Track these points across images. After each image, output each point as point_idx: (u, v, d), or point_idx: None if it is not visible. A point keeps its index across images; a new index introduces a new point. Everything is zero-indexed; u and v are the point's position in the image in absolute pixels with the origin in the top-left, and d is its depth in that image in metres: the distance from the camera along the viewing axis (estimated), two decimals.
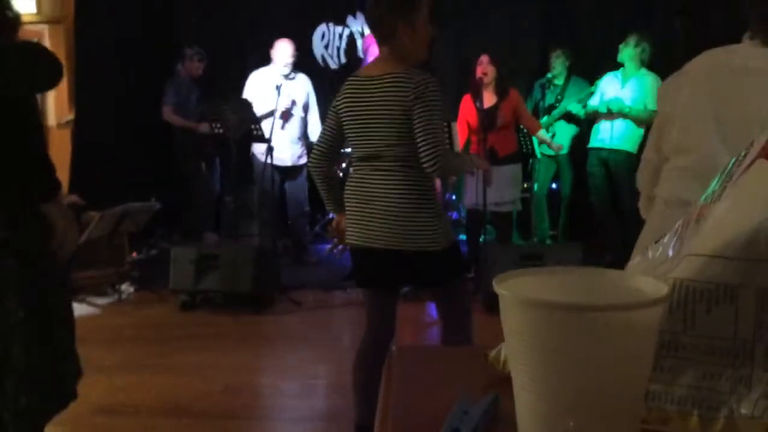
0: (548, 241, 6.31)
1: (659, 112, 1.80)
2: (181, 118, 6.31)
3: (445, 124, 4.68)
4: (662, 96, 1.77)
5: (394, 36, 2.47)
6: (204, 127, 6.30)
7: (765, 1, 1.61)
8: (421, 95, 2.38)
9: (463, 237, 6.56)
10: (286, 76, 5.57)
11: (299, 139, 5.75)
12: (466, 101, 5.33)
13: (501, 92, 5.24)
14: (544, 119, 6.06)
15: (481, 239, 5.57)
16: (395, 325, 2.68)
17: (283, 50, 5.58)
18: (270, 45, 5.81)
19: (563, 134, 6.15)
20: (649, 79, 5.54)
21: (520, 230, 6.37)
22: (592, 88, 5.95)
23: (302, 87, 5.71)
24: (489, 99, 5.24)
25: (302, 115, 5.73)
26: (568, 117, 6.13)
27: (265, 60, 5.81)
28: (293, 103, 5.49)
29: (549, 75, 6.24)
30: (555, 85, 6.22)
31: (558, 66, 6.16)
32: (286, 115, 5.46)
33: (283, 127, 5.50)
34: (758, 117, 1.50)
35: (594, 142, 5.80)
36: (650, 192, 1.80)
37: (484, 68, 5.19)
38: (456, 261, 2.65)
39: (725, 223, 0.75)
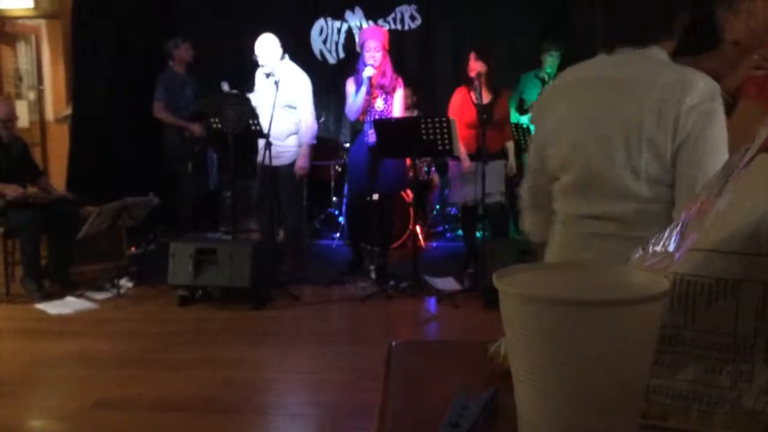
0: None
1: (535, 132, 1.80)
2: (171, 115, 6.28)
3: (444, 119, 4.74)
4: (536, 116, 1.79)
5: None
6: (195, 129, 6.26)
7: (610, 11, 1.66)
8: None
9: (459, 233, 6.59)
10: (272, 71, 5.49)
11: (291, 134, 5.68)
12: (461, 96, 5.32)
13: (496, 89, 5.27)
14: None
15: (478, 235, 5.58)
16: None
17: (271, 44, 5.48)
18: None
19: None
20: None
21: (518, 226, 6.39)
22: None
23: (294, 81, 5.63)
24: (485, 95, 5.25)
25: (290, 111, 5.64)
26: None
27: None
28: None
29: (548, 70, 6.24)
30: (547, 83, 6.23)
31: (551, 63, 6.18)
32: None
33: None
34: (625, 123, 1.52)
35: None
36: (531, 210, 1.87)
37: (472, 65, 5.21)
38: None
39: (726, 217, 0.75)
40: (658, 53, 1.60)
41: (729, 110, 1.75)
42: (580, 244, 1.64)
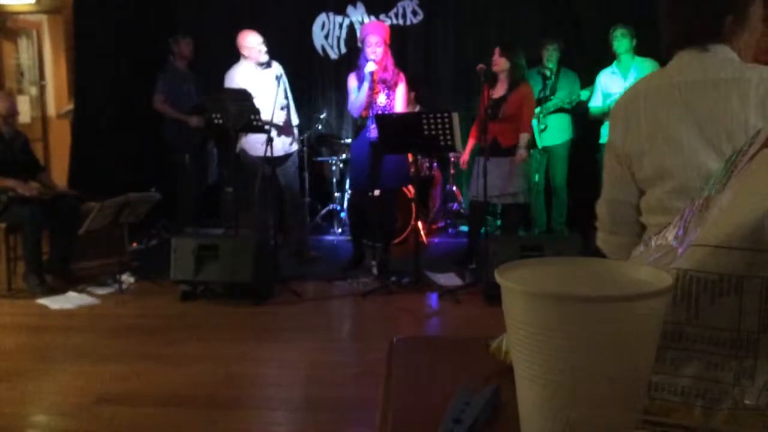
0: (563, 230, 6.32)
1: (617, 140, 1.67)
2: (171, 108, 6.31)
3: (445, 115, 4.73)
4: (618, 123, 1.67)
5: None
6: (194, 121, 6.29)
7: (675, 13, 1.63)
8: None
9: (464, 228, 6.58)
10: (263, 66, 5.49)
11: (288, 127, 5.70)
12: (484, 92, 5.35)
13: (511, 84, 5.26)
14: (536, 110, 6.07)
15: (482, 230, 5.57)
16: None
17: (253, 41, 5.49)
18: (268, 33, 5.74)
19: (555, 127, 6.17)
20: (648, 64, 5.58)
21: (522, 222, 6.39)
22: (586, 90, 5.98)
23: (279, 75, 5.64)
24: (500, 90, 5.26)
25: (283, 103, 5.65)
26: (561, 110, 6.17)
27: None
28: (283, 108, 5.43)
29: (550, 65, 6.23)
30: (549, 78, 6.23)
31: (552, 58, 6.18)
32: (286, 129, 5.43)
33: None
34: (731, 121, 1.51)
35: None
36: (616, 228, 1.73)
37: (496, 60, 5.24)
38: None
39: (730, 213, 0.75)
40: (728, 53, 1.58)
41: None
42: None
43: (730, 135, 1.52)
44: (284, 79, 5.50)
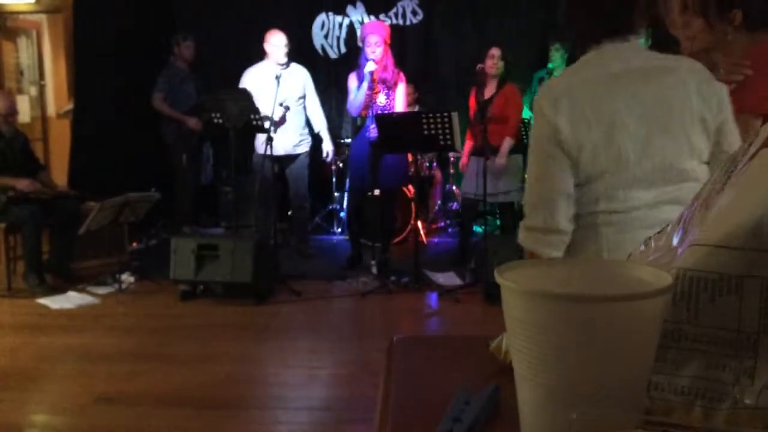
0: None
1: (557, 136, 1.61)
2: (169, 107, 6.33)
3: (445, 114, 4.73)
4: (554, 118, 1.61)
5: None
6: (192, 122, 6.30)
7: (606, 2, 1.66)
8: None
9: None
10: (282, 67, 5.54)
11: (297, 128, 5.73)
12: (473, 93, 5.39)
13: (498, 85, 5.29)
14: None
15: (475, 229, 5.61)
16: None
17: (276, 41, 5.55)
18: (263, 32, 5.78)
19: None
20: None
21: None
22: None
23: (298, 78, 5.69)
24: (490, 91, 5.29)
25: (299, 105, 5.71)
26: None
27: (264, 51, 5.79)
28: (287, 109, 5.46)
29: (550, 65, 6.23)
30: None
31: (557, 59, 6.17)
32: (280, 123, 5.46)
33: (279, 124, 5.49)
34: (679, 105, 1.57)
35: None
36: (567, 226, 1.64)
37: (495, 61, 5.26)
38: None
39: (730, 212, 0.74)
40: (639, 45, 1.66)
41: None
42: (636, 237, 1.59)
43: (681, 119, 1.57)
44: (297, 77, 5.59)
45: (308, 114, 5.81)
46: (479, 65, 5.22)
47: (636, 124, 1.59)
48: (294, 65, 5.68)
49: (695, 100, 1.58)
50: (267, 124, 5.20)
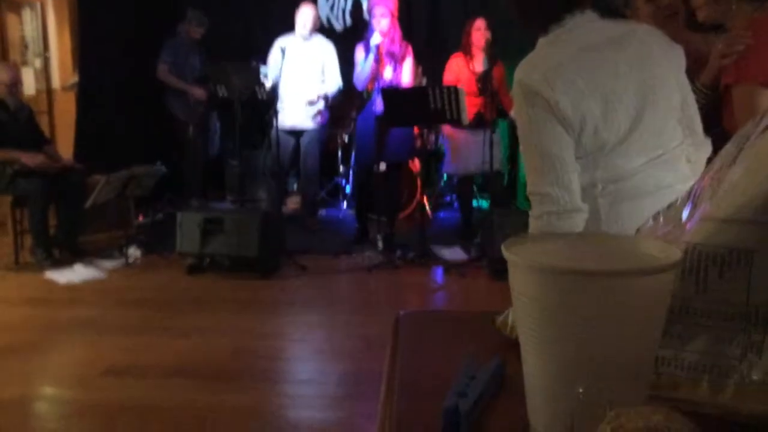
0: None
1: (559, 113, 1.56)
2: (174, 78, 6.30)
3: (452, 88, 4.70)
4: (564, 98, 1.56)
5: None
6: (198, 92, 6.29)
7: None
8: None
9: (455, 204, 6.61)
10: (304, 39, 5.53)
11: (314, 101, 5.69)
12: (458, 63, 5.35)
13: (492, 58, 5.26)
14: None
15: (475, 204, 5.66)
16: None
17: (301, 13, 5.55)
18: (275, 6, 5.75)
19: None
20: None
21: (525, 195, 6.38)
22: None
23: (317, 52, 5.64)
24: (480, 64, 5.28)
25: (316, 78, 5.67)
26: None
27: (272, 22, 5.75)
28: (275, 82, 5.40)
29: None
30: None
31: None
32: (272, 91, 5.44)
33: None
34: (659, 70, 1.61)
35: None
36: (581, 204, 1.59)
37: (483, 33, 5.22)
38: None
39: (739, 187, 0.74)
40: (594, 14, 1.67)
41: (711, 104, 2.00)
42: (629, 206, 1.60)
43: (662, 83, 1.60)
44: (317, 48, 5.60)
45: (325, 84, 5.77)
46: (486, 38, 5.19)
47: (627, 92, 1.60)
48: (317, 39, 5.65)
49: (665, 59, 1.63)
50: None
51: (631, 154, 1.60)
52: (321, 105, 5.72)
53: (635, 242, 0.74)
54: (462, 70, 5.30)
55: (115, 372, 3.17)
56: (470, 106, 5.09)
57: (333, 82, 5.75)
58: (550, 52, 1.66)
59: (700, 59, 2.09)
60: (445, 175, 6.99)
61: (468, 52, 5.28)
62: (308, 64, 5.56)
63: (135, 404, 2.87)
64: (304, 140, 5.76)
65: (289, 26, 5.65)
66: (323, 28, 7.22)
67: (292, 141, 5.67)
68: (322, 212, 6.64)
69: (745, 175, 0.74)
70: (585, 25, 1.64)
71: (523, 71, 1.62)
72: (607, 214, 1.62)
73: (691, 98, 1.69)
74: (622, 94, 1.59)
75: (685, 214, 0.80)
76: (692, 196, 0.82)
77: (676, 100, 1.64)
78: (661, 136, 1.62)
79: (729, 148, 0.82)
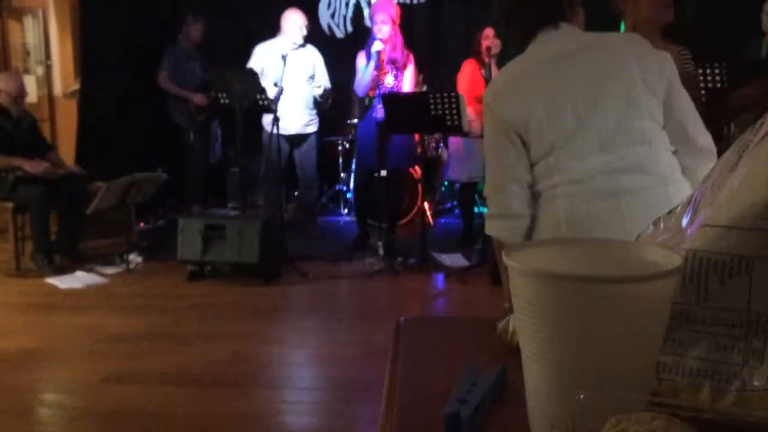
0: None
1: (509, 120, 1.71)
2: (175, 85, 6.32)
3: (452, 94, 4.70)
4: (505, 105, 1.73)
5: None
6: (198, 98, 6.31)
7: None
8: None
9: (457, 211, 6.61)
10: (294, 46, 5.52)
11: (306, 107, 5.72)
12: (472, 69, 5.35)
13: (501, 66, 5.26)
14: None
15: (476, 210, 5.67)
16: None
17: (294, 19, 5.53)
18: (274, 13, 5.76)
19: None
20: None
21: None
22: None
23: (308, 58, 5.66)
24: (494, 72, 5.27)
25: (309, 85, 5.69)
26: None
27: (272, 29, 5.76)
28: (281, 90, 5.38)
29: None
30: None
31: None
32: (277, 98, 5.41)
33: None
34: (618, 72, 1.65)
35: None
36: (526, 210, 1.74)
37: (491, 41, 5.22)
38: None
39: (740, 193, 0.74)
40: (573, 27, 1.76)
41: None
42: (597, 207, 1.63)
43: (621, 81, 1.64)
44: (307, 55, 5.59)
45: (315, 92, 5.77)
46: (486, 45, 5.20)
47: (574, 93, 1.66)
48: (308, 46, 5.66)
49: (633, 62, 1.65)
50: (273, 102, 5.18)
51: (585, 155, 1.64)
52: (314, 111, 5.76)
53: (637, 249, 0.74)
54: (475, 76, 5.32)
55: (115, 378, 3.17)
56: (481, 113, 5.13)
57: (322, 85, 5.77)
58: (510, 67, 1.80)
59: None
60: (446, 182, 7.00)
61: (479, 60, 5.29)
62: (301, 70, 5.55)
63: (135, 410, 2.86)
64: (300, 147, 5.76)
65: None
66: (324, 35, 7.26)
67: (286, 147, 5.66)
68: (323, 219, 6.65)
69: (746, 181, 0.74)
70: (552, 39, 1.73)
71: (487, 88, 1.82)
72: (568, 216, 1.65)
73: (684, 107, 1.69)
74: (567, 97, 1.66)
75: (685, 220, 0.80)
76: (692, 202, 0.82)
77: (648, 105, 1.65)
78: (619, 138, 1.64)
79: (729, 154, 0.83)
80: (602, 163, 1.63)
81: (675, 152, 1.69)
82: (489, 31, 5.31)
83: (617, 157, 1.63)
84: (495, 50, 5.26)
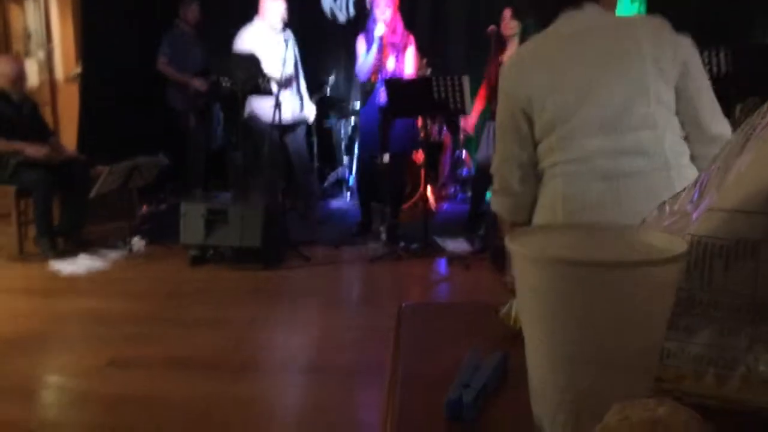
0: None
1: (517, 96, 1.73)
2: (174, 70, 6.29)
3: (455, 78, 4.67)
4: (516, 80, 1.74)
5: None
6: (196, 83, 6.28)
7: None
8: None
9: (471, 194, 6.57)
10: (278, 31, 5.45)
11: (297, 93, 5.68)
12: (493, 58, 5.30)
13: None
14: None
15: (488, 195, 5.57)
16: None
17: (274, 4, 5.44)
18: None
19: None
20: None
21: None
22: None
23: (289, 41, 5.59)
24: (510, 52, 5.22)
25: (299, 70, 5.64)
26: None
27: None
28: (290, 76, 5.32)
29: None
30: None
31: None
32: (287, 85, 5.34)
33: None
34: (628, 52, 1.63)
35: None
36: (521, 188, 1.77)
37: (508, 23, 5.15)
38: None
39: (747, 176, 0.73)
40: (597, 7, 1.73)
41: None
42: (594, 188, 1.62)
43: (631, 63, 1.62)
44: (293, 44, 5.45)
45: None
46: (491, 27, 5.14)
47: (578, 72, 1.65)
48: (287, 30, 5.55)
49: (647, 45, 1.62)
50: (274, 88, 5.14)
51: (585, 136, 1.64)
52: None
53: (642, 234, 0.73)
54: (494, 66, 5.27)
55: (118, 362, 3.18)
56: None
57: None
58: (524, 46, 1.81)
59: None
60: (448, 168, 6.97)
61: (500, 45, 5.21)
62: (290, 56, 5.47)
63: (139, 394, 2.87)
64: (292, 134, 5.70)
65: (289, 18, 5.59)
66: (326, 19, 7.22)
67: (276, 135, 5.61)
68: (326, 204, 6.64)
69: (753, 165, 0.73)
70: (572, 19, 1.71)
71: (502, 67, 1.82)
72: (564, 196, 1.65)
73: (699, 93, 1.66)
74: (571, 75, 1.66)
75: (690, 204, 0.79)
76: (698, 186, 0.81)
77: (657, 89, 1.62)
78: (622, 121, 1.62)
79: (736, 138, 0.81)
80: (602, 145, 1.62)
81: (686, 138, 1.66)
82: (507, 13, 5.25)
83: (618, 140, 1.61)
84: (512, 31, 5.18)
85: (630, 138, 1.61)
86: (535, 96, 1.68)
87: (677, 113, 1.65)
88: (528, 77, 1.71)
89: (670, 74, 1.63)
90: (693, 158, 1.65)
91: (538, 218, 1.73)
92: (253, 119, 5.56)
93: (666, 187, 1.43)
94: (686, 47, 1.66)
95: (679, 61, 1.63)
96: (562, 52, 1.69)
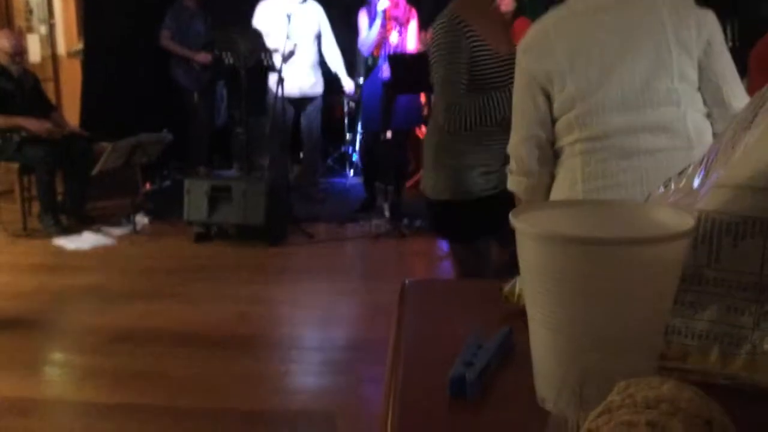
0: None
1: (531, 77, 1.69)
2: (177, 45, 6.24)
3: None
4: (536, 55, 1.69)
5: None
6: (201, 57, 6.23)
7: None
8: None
9: None
10: (296, 3, 5.41)
11: (312, 68, 5.64)
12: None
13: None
14: None
15: None
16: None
17: None
18: None
19: None
20: None
21: None
22: None
23: (313, 15, 5.55)
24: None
25: (315, 44, 5.60)
26: None
27: None
28: (295, 45, 5.28)
29: None
30: None
31: None
32: (288, 57, 5.29)
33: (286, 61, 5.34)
34: (650, 29, 1.60)
35: None
36: (539, 168, 1.73)
37: (506, 2, 5.09)
38: (438, 220, 2.63)
39: (756, 152, 0.71)
40: None
41: None
42: (615, 166, 1.60)
43: (653, 39, 1.59)
44: (311, 15, 5.45)
45: (324, 53, 5.67)
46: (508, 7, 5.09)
47: (599, 48, 1.62)
48: (309, 2, 5.51)
49: (670, 21, 1.59)
50: (277, 62, 5.10)
51: (606, 112, 1.61)
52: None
53: (648, 209, 0.72)
54: None
55: (123, 338, 3.20)
56: None
57: (334, 47, 5.65)
58: (543, 20, 1.74)
59: None
60: None
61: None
62: (306, 29, 5.44)
63: (143, 370, 2.89)
64: (306, 110, 5.69)
65: None
66: None
67: (291, 110, 5.60)
68: (329, 180, 6.62)
69: (761, 140, 0.72)
70: None
71: (518, 43, 1.77)
72: (584, 175, 1.63)
73: (722, 68, 1.62)
74: (592, 50, 1.62)
75: (697, 180, 0.78)
76: (705, 162, 0.80)
77: (680, 65, 1.59)
78: (644, 97, 1.59)
79: (744, 112, 0.80)
80: (623, 122, 1.60)
81: (708, 115, 1.64)
82: None
83: (640, 117, 1.58)
84: (507, 8, 5.12)
85: (652, 115, 1.58)
86: (555, 72, 1.65)
87: (699, 89, 1.62)
88: (548, 53, 1.67)
89: (694, 49, 1.59)
90: (715, 136, 1.63)
91: (557, 196, 1.70)
92: (268, 94, 5.55)
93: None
94: (710, 23, 1.62)
95: (703, 37, 1.60)
96: (583, 28, 1.65)
